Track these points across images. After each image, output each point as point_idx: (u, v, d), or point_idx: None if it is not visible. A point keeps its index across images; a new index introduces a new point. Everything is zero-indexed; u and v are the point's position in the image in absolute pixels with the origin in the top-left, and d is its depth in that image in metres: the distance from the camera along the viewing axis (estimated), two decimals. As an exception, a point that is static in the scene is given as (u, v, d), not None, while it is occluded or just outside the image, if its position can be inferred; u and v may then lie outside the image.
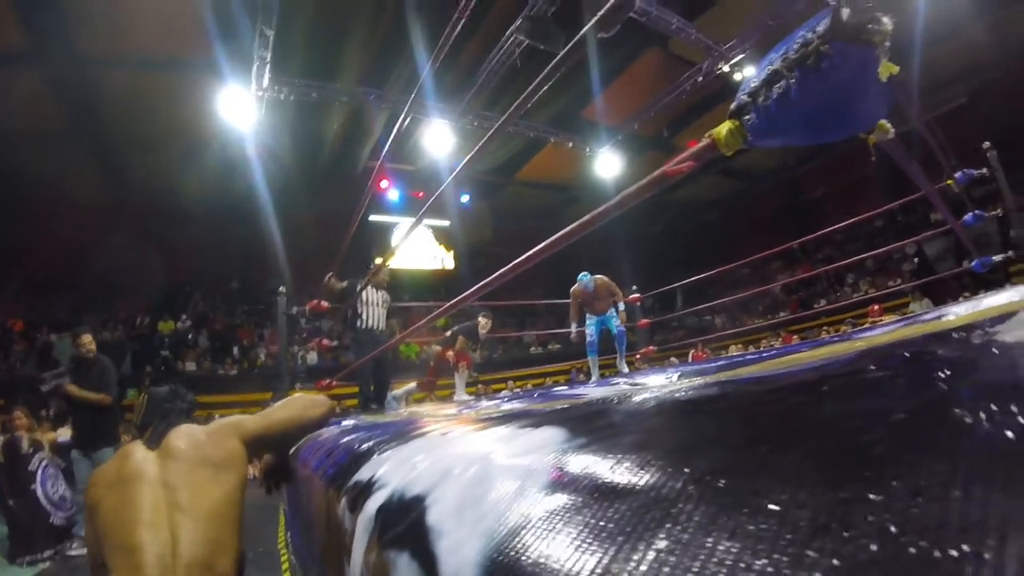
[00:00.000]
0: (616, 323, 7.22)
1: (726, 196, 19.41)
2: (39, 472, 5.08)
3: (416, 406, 7.17)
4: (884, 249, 9.69)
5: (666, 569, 0.34)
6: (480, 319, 7.99)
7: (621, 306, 7.27)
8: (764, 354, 3.83)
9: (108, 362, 5.88)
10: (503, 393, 11.32)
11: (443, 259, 18.01)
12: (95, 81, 11.29)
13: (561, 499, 0.45)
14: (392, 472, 0.65)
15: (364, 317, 6.27)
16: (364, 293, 6.11)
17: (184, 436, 1.64)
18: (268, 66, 9.86)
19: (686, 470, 0.43)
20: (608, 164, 13.86)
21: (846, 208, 7.27)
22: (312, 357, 14.17)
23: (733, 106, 1.11)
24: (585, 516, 0.41)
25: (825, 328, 12.37)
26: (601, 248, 11.02)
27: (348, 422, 2.99)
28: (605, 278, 7.27)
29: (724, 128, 1.12)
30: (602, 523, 0.41)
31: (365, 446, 0.94)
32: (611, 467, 0.47)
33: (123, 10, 9.73)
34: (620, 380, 4.84)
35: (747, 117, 1.06)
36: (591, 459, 0.49)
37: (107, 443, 5.67)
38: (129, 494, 1.44)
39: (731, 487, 0.39)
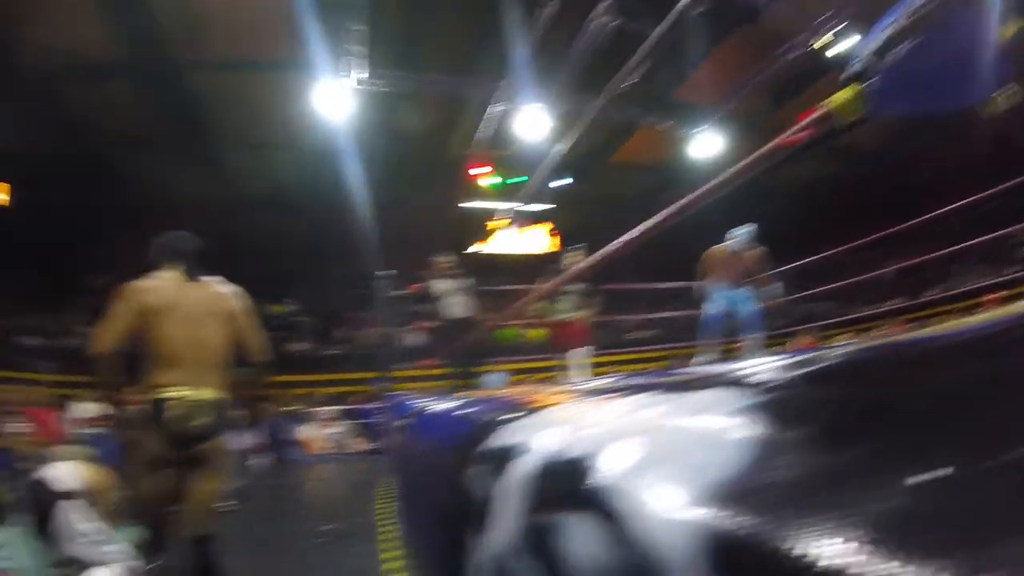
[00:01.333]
0: (749, 305, 6.11)
1: (829, 179, 18.24)
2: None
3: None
4: (998, 233, 8.80)
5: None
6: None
7: (776, 290, 6.37)
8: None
9: None
10: (611, 376, 11.22)
11: (540, 243, 17.95)
12: (191, 85, 12.19)
13: (749, 453, 0.41)
14: (539, 437, 0.62)
15: (441, 307, 6.54)
16: (437, 286, 6.40)
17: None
18: (363, 60, 10.09)
19: (887, 419, 0.38)
20: (704, 145, 13.30)
21: (956, 190, 6.65)
22: (413, 339, 14.57)
23: (849, 72, 1.02)
24: (783, 466, 0.37)
25: (937, 317, 11.51)
26: (702, 234, 10.58)
27: (456, 399, 3.02)
28: (759, 248, 6.20)
29: (842, 96, 1.04)
30: (803, 475, 0.36)
31: (490, 416, 0.93)
32: (804, 419, 0.42)
33: (213, 16, 10.39)
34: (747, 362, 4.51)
35: (869, 81, 0.98)
36: (778, 413, 0.44)
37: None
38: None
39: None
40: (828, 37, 10.23)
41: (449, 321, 6.54)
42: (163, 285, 2.95)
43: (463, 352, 6.41)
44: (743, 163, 1.60)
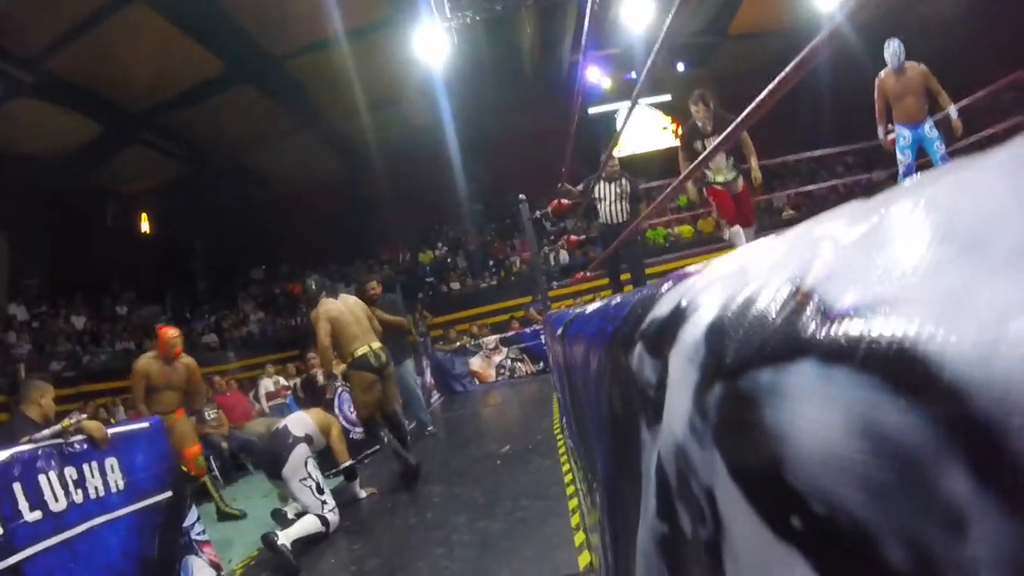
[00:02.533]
0: (937, 144, 5.20)
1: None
2: (336, 398, 5.85)
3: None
4: None
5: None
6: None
7: (953, 112, 5.21)
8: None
9: (393, 297, 6.94)
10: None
11: (672, 134, 16.99)
12: (294, 73, 12.75)
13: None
14: (702, 295, 0.44)
15: (601, 212, 6.29)
16: (596, 190, 6.08)
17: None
18: None
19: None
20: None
21: None
22: (563, 256, 14.51)
23: None
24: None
25: None
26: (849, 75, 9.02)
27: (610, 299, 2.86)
28: (920, 65, 5.23)
29: None
30: None
31: (643, 294, 0.75)
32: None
33: (291, 5, 10.65)
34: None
35: None
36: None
37: (403, 357, 6.62)
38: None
39: None
40: None
41: (605, 228, 6.32)
42: (331, 304, 4.97)
43: (618, 259, 6.17)
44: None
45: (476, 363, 11.01)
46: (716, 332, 0.37)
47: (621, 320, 0.77)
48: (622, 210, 6.28)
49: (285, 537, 3.60)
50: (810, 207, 14.29)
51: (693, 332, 0.41)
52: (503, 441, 5.49)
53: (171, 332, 5.08)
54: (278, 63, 12.48)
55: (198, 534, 3.55)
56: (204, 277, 17.27)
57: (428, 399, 7.32)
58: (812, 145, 9.28)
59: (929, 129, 5.20)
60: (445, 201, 17.15)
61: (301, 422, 4.23)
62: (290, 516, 4.04)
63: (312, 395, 5.65)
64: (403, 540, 3.55)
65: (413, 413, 6.83)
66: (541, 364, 10.72)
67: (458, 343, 11.40)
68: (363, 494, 4.57)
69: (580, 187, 6.35)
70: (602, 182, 6.09)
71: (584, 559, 2.66)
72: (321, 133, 15.44)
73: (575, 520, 3.10)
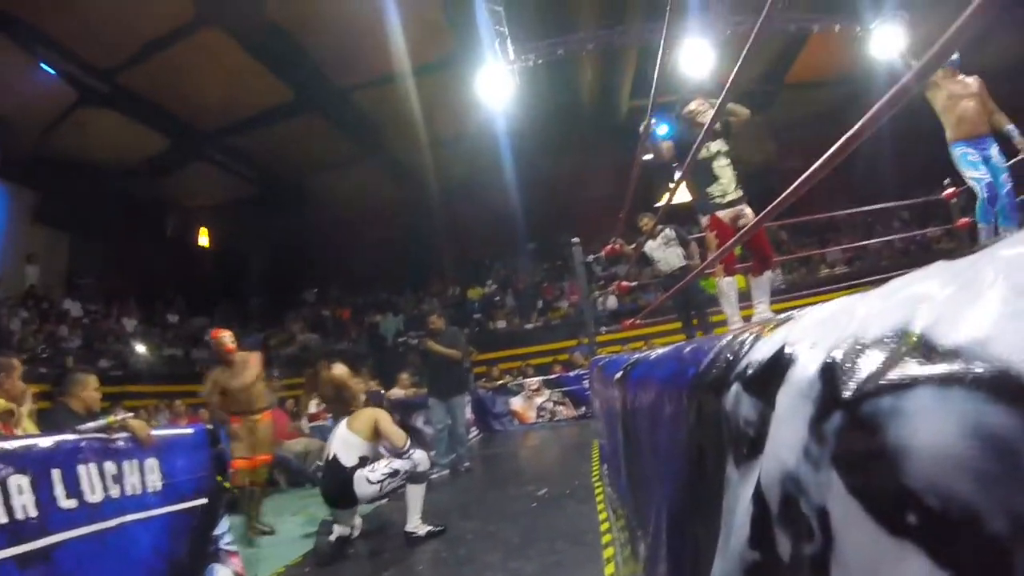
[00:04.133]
0: (1004, 177, 4.42)
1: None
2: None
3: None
4: None
5: None
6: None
7: (1015, 132, 4.51)
8: None
9: (456, 331, 7.14)
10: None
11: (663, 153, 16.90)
12: (360, 105, 13.35)
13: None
14: (805, 341, 0.49)
15: (654, 265, 6.38)
16: (647, 246, 6.17)
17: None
18: (508, 39, 10.03)
19: None
20: (886, 39, 11.07)
21: None
22: (611, 302, 14.47)
23: None
24: None
25: None
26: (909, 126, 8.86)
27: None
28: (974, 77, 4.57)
29: None
30: None
31: (727, 341, 0.80)
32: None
33: (360, 39, 11.17)
34: None
35: None
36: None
37: (459, 391, 6.76)
38: None
39: None
40: None
41: (668, 275, 6.36)
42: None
43: (683, 303, 6.18)
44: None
45: (517, 403, 11.01)
46: (831, 370, 0.42)
47: (707, 364, 0.81)
48: (671, 257, 6.35)
49: (415, 525, 4.05)
50: (865, 262, 14.01)
51: (804, 371, 0.46)
52: (540, 483, 5.44)
53: (222, 333, 5.31)
54: (345, 94, 13.08)
55: (227, 544, 3.60)
56: (256, 294, 17.77)
57: (467, 435, 7.36)
58: (869, 199, 9.09)
59: (997, 154, 4.49)
60: (498, 238, 17.40)
61: (346, 444, 4.15)
62: (335, 529, 4.09)
63: (341, 401, 5.75)
64: (436, 572, 3.56)
65: (453, 448, 6.92)
66: (583, 409, 10.66)
67: (500, 381, 11.44)
68: (421, 530, 4.13)
69: (632, 247, 6.50)
70: (649, 240, 6.18)
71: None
72: (381, 163, 15.96)
73: (609, 569, 3.05)
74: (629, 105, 14.58)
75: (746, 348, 0.66)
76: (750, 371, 0.61)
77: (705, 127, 4.11)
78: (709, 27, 10.21)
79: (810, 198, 5.40)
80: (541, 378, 11.40)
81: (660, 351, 1.61)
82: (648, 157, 5.46)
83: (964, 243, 6.70)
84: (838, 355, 0.41)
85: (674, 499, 1.07)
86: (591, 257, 9.09)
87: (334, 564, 3.87)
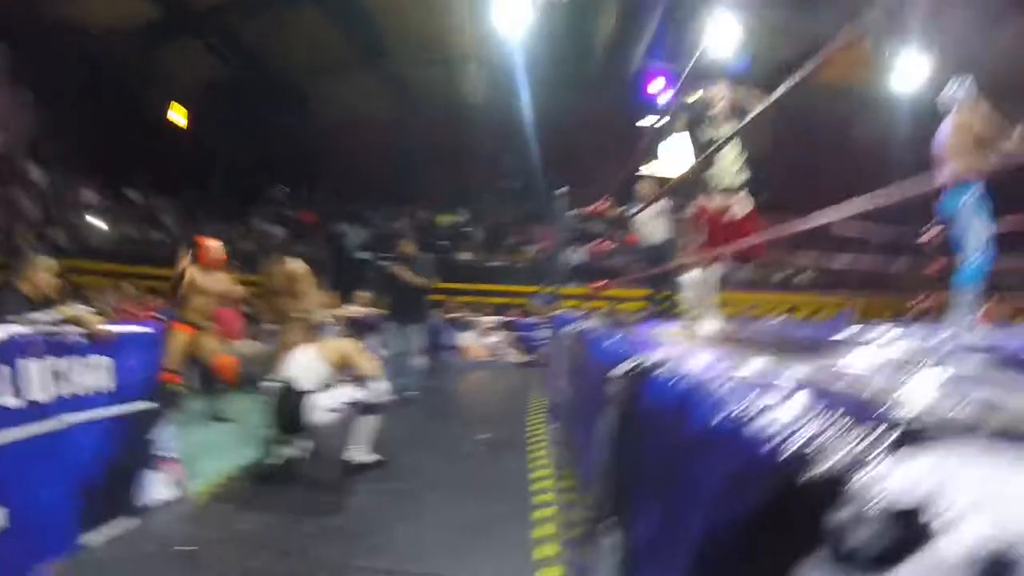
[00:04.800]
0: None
1: None
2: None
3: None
4: None
5: None
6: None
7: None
8: None
9: (428, 259, 6.98)
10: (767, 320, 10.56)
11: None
12: (367, 6, 12.44)
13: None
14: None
15: (642, 235, 6.29)
16: (639, 211, 6.04)
17: None
18: None
19: None
20: (910, 69, 11.36)
21: None
22: (577, 256, 14.47)
23: None
24: None
25: None
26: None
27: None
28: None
29: None
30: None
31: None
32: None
33: None
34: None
35: None
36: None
37: (418, 320, 6.68)
38: None
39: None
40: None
41: (650, 246, 6.29)
42: None
43: (662, 279, 6.12)
44: None
45: (468, 338, 11.02)
46: None
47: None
48: (659, 229, 6.27)
49: (356, 453, 3.97)
50: (830, 276, 14.29)
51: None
52: (482, 426, 5.55)
53: (215, 243, 5.38)
54: None
55: (164, 449, 3.48)
56: (225, 184, 16.98)
57: (417, 364, 7.33)
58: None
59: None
60: (483, 169, 17.04)
61: (308, 369, 3.94)
62: (286, 449, 3.97)
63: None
64: (373, 503, 3.55)
65: (402, 374, 6.87)
66: (530, 356, 10.76)
67: (457, 314, 11.40)
68: (367, 458, 4.08)
69: (619, 211, 6.40)
70: (638, 202, 6.06)
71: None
72: (379, 74, 15.17)
73: (537, 532, 3.10)
74: (642, 63, 14.20)
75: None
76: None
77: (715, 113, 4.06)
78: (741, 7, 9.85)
79: (797, 199, 5.31)
80: (496, 318, 11.41)
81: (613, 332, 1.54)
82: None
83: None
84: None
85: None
86: (574, 211, 8.99)
87: (273, 484, 3.79)
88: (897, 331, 4.84)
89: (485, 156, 16.41)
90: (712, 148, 3.50)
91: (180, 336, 5.03)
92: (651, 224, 6.28)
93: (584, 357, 2.71)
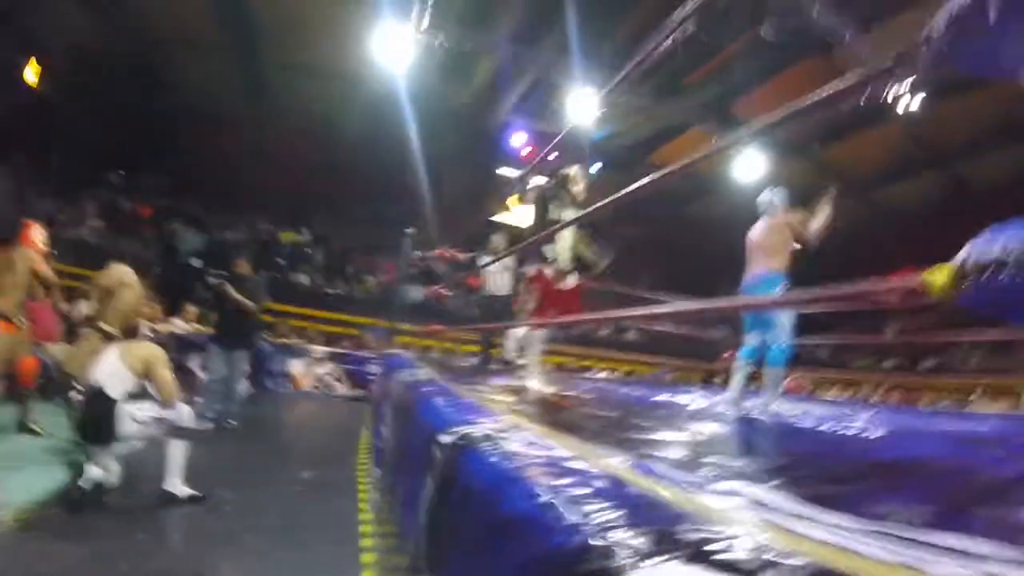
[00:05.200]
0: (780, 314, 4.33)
1: (859, 224, 17.99)
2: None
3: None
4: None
5: None
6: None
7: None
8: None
9: (260, 281, 6.77)
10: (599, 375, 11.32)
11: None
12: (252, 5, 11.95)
13: None
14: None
15: (488, 284, 6.55)
16: (487, 262, 6.33)
17: None
18: (428, 10, 9.87)
19: None
20: (750, 164, 13.03)
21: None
22: (416, 294, 14.57)
23: (955, 263, 1.06)
24: None
25: (929, 391, 11.85)
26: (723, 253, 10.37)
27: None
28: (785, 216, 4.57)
29: (939, 280, 1.08)
30: None
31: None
32: None
33: None
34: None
35: (965, 284, 1.04)
36: None
37: (244, 346, 6.44)
38: None
39: None
40: (893, 95, 10.07)
41: (492, 295, 6.56)
42: None
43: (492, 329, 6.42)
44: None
45: (297, 367, 10.68)
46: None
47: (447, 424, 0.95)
48: (504, 283, 6.60)
49: (173, 485, 3.78)
50: (653, 337, 15.61)
51: None
52: (306, 464, 5.35)
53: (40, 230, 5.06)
54: None
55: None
56: (65, 159, 15.04)
57: (240, 392, 7.03)
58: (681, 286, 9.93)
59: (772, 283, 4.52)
60: (335, 190, 16.70)
61: (114, 375, 3.80)
62: (91, 472, 3.64)
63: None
64: (191, 544, 3.41)
65: (223, 402, 6.59)
66: (360, 391, 10.63)
67: (286, 340, 11.04)
68: (181, 492, 3.87)
69: (470, 255, 6.65)
70: (491, 260, 6.37)
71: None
72: (244, 66, 14.33)
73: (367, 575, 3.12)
74: (505, 119, 14.88)
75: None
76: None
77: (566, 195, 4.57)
78: (607, 86, 10.69)
79: (627, 271, 5.93)
80: (328, 349, 11.18)
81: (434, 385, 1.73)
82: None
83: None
84: None
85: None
86: (420, 255, 9.16)
87: (84, 512, 3.48)
88: (706, 396, 5.55)
89: (339, 178, 16.14)
90: (553, 228, 3.89)
91: None
92: (498, 276, 6.61)
93: (412, 411, 2.84)
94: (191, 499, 3.86)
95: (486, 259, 6.42)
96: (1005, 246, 0.98)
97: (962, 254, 1.06)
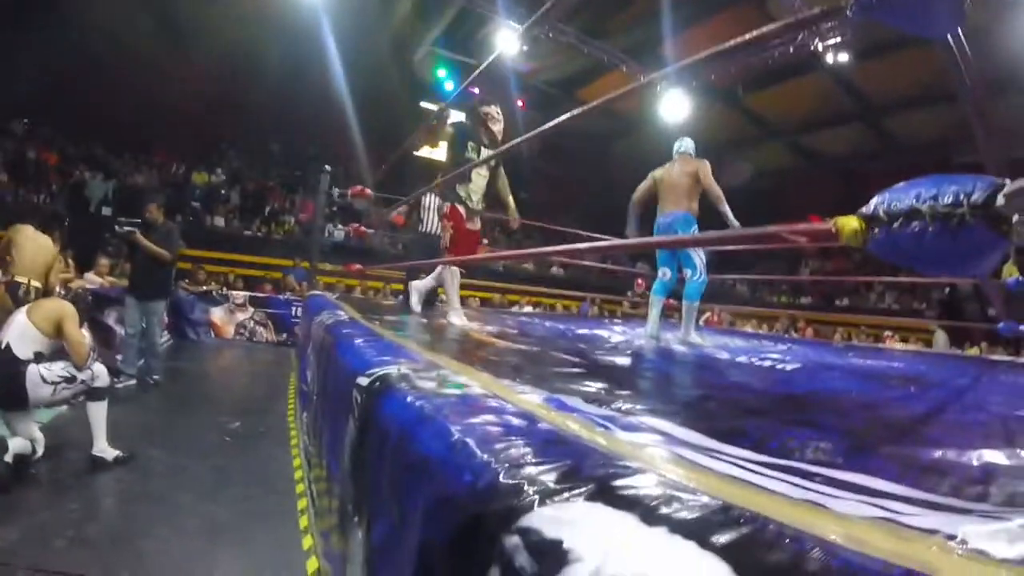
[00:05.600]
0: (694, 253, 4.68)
1: (785, 170, 18.65)
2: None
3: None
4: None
5: None
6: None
7: (727, 211, 4.59)
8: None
9: (175, 228, 6.43)
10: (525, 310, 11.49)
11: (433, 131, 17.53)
12: None
13: None
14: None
15: (424, 221, 6.39)
16: (423, 198, 6.18)
17: None
18: None
19: None
20: (674, 105, 13.07)
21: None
22: (338, 234, 14.28)
23: (866, 210, 1.14)
24: None
25: (840, 329, 12.59)
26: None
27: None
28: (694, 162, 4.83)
29: (850, 225, 1.15)
30: None
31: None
32: None
33: None
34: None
35: (875, 231, 1.12)
36: None
37: (160, 296, 6.19)
38: None
39: None
40: (823, 45, 10.36)
41: (423, 236, 6.43)
42: None
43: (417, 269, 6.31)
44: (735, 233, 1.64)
45: (218, 314, 10.39)
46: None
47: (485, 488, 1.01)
48: (433, 223, 6.48)
49: (101, 449, 3.76)
50: (578, 271, 15.88)
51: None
52: (233, 414, 5.34)
53: None
54: None
55: None
56: None
57: (160, 344, 6.82)
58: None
59: (686, 221, 4.85)
60: (247, 126, 15.94)
61: (23, 335, 3.66)
62: (12, 444, 3.48)
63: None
64: (124, 509, 3.36)
65: (143, 356, 6.39)
66: (284, 335, 10.49)
67: (205, 287, 10.68)
68: (108, 454, 3.83)
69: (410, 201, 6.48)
70: (431, 195, 6.17)
71: (312, 564, 2.77)
72: (155, 7, 13.36)
73: (304, 521, 3.21)
74: (430, 50, 14.44)
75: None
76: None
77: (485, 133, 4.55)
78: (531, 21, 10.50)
79: (550, 205, 6.03)
80: (248, 294, 10.89)
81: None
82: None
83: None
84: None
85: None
86: (337, 192, 8.92)
87: (11, 490, 3.34)
88: (626, 330, 5.76)
89: (254, 115, 15.39)
90: (468, 167, 3.88)
91: None
92: (429, 215, 6.48)
93: (333, 353, 2.84)
94: (119, 461, 3.82)
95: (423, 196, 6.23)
96: (918, 196, 1.05)
97: (873, 202, 1.12)
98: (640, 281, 12.13)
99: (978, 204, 0.96)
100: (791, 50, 10.74)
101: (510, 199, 4.99)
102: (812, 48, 10.52)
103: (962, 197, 0.98)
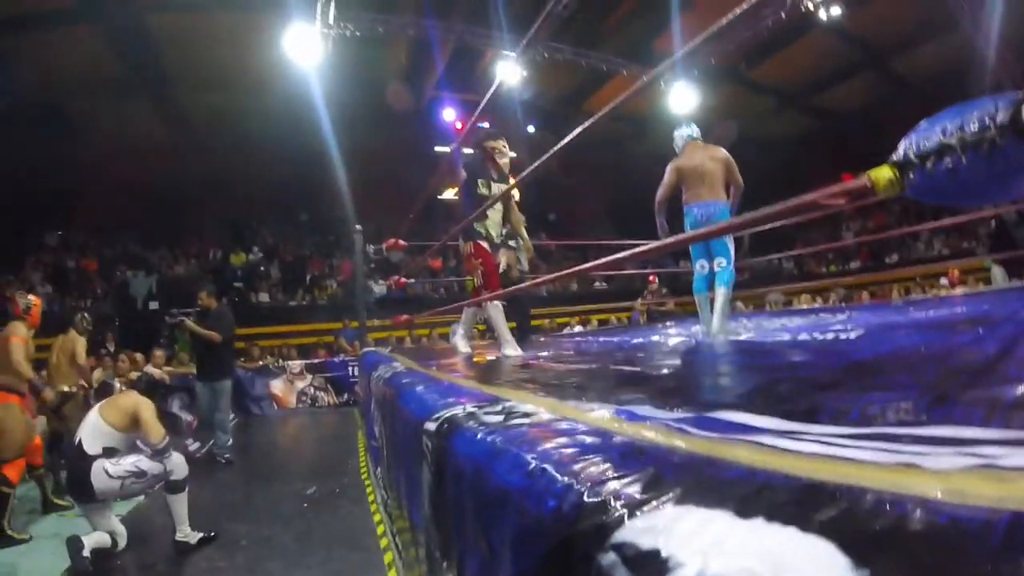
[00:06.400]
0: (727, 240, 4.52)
1: (805, 134, 18.36)
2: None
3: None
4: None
5: None
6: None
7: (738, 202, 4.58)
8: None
9: (227, 310, 6.69)
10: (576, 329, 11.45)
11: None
12: (149, 27, 11.52)
13: None
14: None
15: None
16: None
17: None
18: (332, 2, 9.68)
19: None
20: (682, 97, 13.15)
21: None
22: (380, 289, 14.47)
23: (897, 157, 1.10)
24: None
25: (897, 285, 12.18)
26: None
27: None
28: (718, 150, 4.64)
29: (884, 175, 1.12)
30: None
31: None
32: None
33: None
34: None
35: (910, 176, 1.08)
36: None
37: (226, 376, 6.41)
38: None
39: None
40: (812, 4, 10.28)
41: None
42: None
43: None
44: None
45: (277, 386, 10.59)
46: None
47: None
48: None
49: (184, 534, 3.82)
50: (619, 283, 15.78)
51: None
52: (308, 479, 5.41)
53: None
54: (139, 12, 11.09)
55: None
56: None
57: (229, 422, 6.99)
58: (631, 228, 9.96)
59: (723, 212, 4.62)
60: (270, 201, 16.39)
61: (94, 431, 3.78)
62: (89, 540, 3.59)
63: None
64: None
65: (213, 436, 6.59)
66: (345, 396, 10.63)
67: (261, 362, 10.92)
68: (192, 538, 3.92)
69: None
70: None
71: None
72: (155, 98, 13.80)
73: (392, 575, 3.19)
74: (432, 94, 14.70)
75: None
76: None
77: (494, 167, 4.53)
78: (526, 45, 10.67)
79: (578, 220, 6.05)
80: (304, 362, 11.09)
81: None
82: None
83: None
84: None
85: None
86: (372, 248, 9.07)
87: None
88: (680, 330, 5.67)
89: (276, 191, 15.85)
90: (483, 207, 3.85)
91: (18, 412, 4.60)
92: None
93: (396, 404, 2.86)
94: (203, 541, 3.90)
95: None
96: (943, 131, 1.02)
97: (902, 146, 1.09)
98: (652, 278, 12.05)
99: (1005, 123, 0.93)
100: (783, 16, 10.68)
101: (523, 231, 4.88)
102: (804, 8, 10.43)
103: (987, 120, 0.95)
